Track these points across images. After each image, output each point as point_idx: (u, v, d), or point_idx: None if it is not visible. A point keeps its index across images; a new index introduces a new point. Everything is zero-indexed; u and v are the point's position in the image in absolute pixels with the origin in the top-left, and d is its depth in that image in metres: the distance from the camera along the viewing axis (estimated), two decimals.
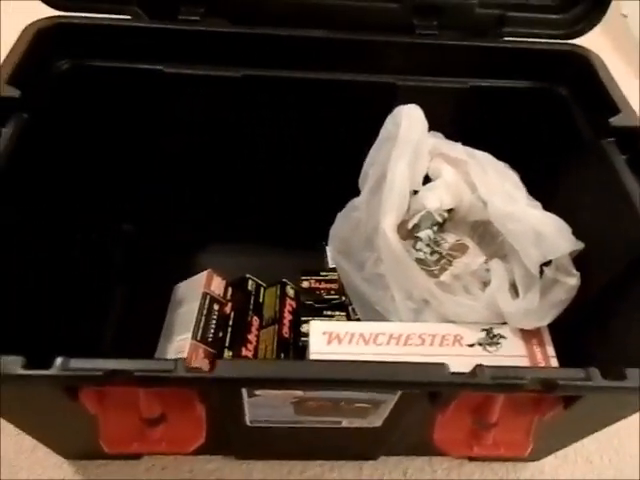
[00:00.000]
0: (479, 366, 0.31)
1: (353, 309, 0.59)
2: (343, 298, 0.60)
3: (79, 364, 0.29)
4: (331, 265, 0.63)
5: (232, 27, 0.52)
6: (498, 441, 0.37)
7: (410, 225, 0.50)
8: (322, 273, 0.62)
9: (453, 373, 0.31)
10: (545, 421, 0.37)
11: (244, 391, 0.35)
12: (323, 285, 0.61)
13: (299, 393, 0.36)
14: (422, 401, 0.35)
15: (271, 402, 0.37)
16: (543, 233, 0.45)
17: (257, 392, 0.35)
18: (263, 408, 0.38)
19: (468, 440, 0.37)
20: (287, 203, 0.64)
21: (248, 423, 0.41)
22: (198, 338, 0.54)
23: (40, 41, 0.48)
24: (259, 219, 0.65)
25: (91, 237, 0.60)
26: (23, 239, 0.45)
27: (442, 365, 0.31)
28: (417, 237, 0.49)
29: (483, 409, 0.36)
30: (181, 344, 0.54)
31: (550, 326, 0.51)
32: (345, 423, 0.41)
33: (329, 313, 0.59)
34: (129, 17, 0.51)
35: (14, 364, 0.29)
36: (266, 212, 0.65)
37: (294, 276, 0.62)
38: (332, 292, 0.60)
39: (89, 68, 0.50)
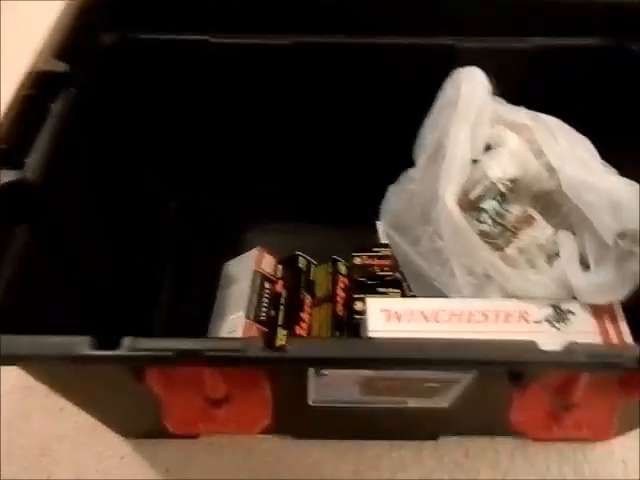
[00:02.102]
0: (573, 343, 0.29)
1: (408, 286, 0.57)
2: (397, 274, 0.58)
3: (148, 344, 0.28)
4: (383, 241, 0.61)
5: None
6: (580, 422, 0.35)
7: (473, 196, 0.48)
8: (374, 249, 0.59)
9: (545, 351, 0.28)
10: (629, 401, 0.34)
11: (311, 370, 0.34)
12: (376, 261, 0.59)
13: (368, 373, 0.34)
14: (500, 381, 0.33)
15: (337, 382, 0.36)
16: (620, 201, 0.42)
17: (325, 372, 0.34)
18: (328, 388, 0.37)
19: (548, 421, 0.35)
20: (337, 178, 0.62)
21: (311, 403, 0.39)
22: (251, 317, 0.53)
23: (85, 14, 0.46)
24: (309, 195, 0.63)
25: (141, 214, 0.60)
26: (75, 216, 0.45)
27: (532, 342, 0.29)
28: (482, 208, 0.47)
29: (564, 389, 0.33)
30: (234, 322, 0.53)
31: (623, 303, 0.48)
32: (411, 403, 0.40)
33: (382, 290, 0.57)
34: None
35: (82, 344, 0.28)
36: (316, 188, 0.62)
37: (346, 253, 0.60)
38: (385, 268, 0.58)
39: (135, 41, 0.49)
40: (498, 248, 0.48)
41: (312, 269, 0.59)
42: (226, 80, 0.52)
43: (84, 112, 0.45)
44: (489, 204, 0.46)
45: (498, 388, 0.34)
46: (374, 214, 0.61)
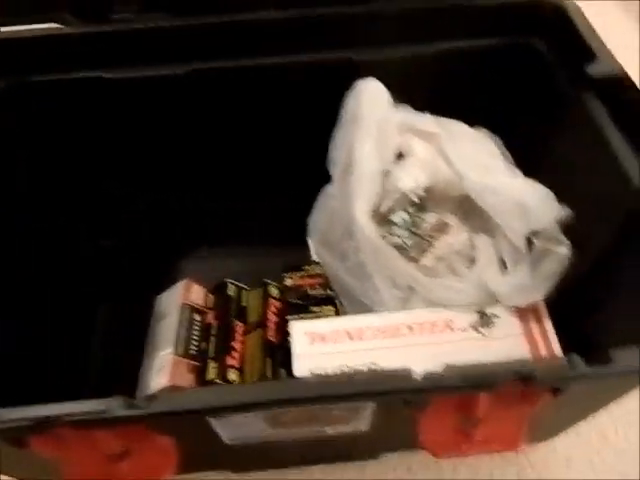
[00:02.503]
0: (448, 366, 0.28)
1: (341, 302, 0.56)
2: (329, 292, 0.57)
3: (5, 415, 0.26)
4: (315, 258, 0.60)
5: (171, 20, 0.48)
6: (488, 437, 0.34)
7: (383, 209, 0.47)
8: (305, 268, 0.59)
9: (419, 377, 0.28)
10: (537, 411, 0.33)
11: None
12: (307, 280, 0.58)
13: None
14: (398, 406, 0.32)
15: (242, 421, 0.35)
16: (525, 203, 0.42)
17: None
18: (236, 427, 0.36)
19: (455, 439, 0.34)
20: (262, 200, 0.61)
21: (227, 442, 0.38)
22: (180, 352, 0.52)
23: None
24: (236, 220, 0.62)
25: (68, 256, 0.58)
26: None
27: (406, 371, 0.28)
28: (391, 221, 0.46)
29: (467, 406, 0.33)
30: (163, 359, 0.52)
31: (548, 301, 0.48)
32: (329, 431, 0.39)
33: (316, 309, 0.56)
34: (60, 25, 0.47)
35: None
36: (242, 212, 0.62)
37: (280, 274, 0.59)
38: (317, 287, 0.57)
39: (26, 84, 0.48)
40: (414, 259, 0.47)
41: (243, 295, 0.58)
42: (127, 115, 0.51)
43: None
44: (398, 216, 0.46)
45: (402, 412, 0.33)
46: (305, 231, 0.60)
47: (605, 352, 0.27)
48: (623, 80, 0.39)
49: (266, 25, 0.49)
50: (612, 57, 0.41)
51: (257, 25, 0.49)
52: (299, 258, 0.61)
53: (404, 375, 0.27)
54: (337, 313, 0.56)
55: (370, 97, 0.47)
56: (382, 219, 0.47)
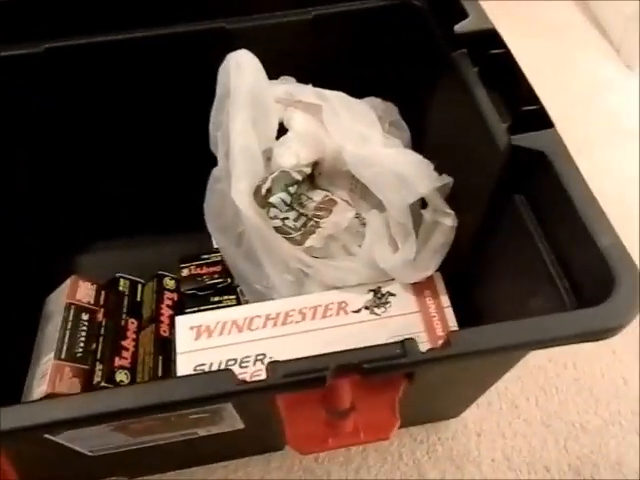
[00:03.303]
0: (271, 363, 0.25)
1: (242, 290, 0.54)
2: (229, 280, 0.54)
3: None
4: (215, 245, 0.57)
5: None
6: (359, 427, 0.32)
7: (264, 190, 0.44)
8: (203, 257, 0.55)
9: (238, 381, 0.25)
10: (408, 394, 0.31)
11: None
12: (205, 270, 0.54)
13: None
14: (254, 403, 0.29)
15: (84, 435, 0.32)
16: (401, 174, 0.39)
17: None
18: (86, 440, 0.33)
19: (323, 433, 0.31)
20: (153, 186, 0.57)
21: (88, 453, 0.35)
22: (63, 356, 0.48)
23: None
24: (129, 211, 0.58)
25: None
26: None
27: (227, 372, 0.25)
28: (269, 203, 0.43)
29: (329, 397, 0.30)
30: (45, 366, 0.48)
31: (446, 273, 0.46)
32: (202, 432, 0.36)
33: (216, 299, 0.53)
34: None
35: None
36: (134, 201, 0.57)
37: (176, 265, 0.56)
38: (216, 275, 0.54)
39: None
40: (297, 242, 0.44)
41: (139, 289, 0.54)
42: None
43: None
44: (277, 197, 0.43)
45: (263, 409, 0.31)
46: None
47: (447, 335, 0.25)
48: (492, 37, 0.36)
49: None
50: (483, 13, 0.38)
51: None
52: (201, 247, 0.58)
53: (225, 377, 0.25)
54: (239, 302, 0.54)
55: (242, 70, 0.43)
56: (262, 201, 0.44)
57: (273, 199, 0.43)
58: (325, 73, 0.47)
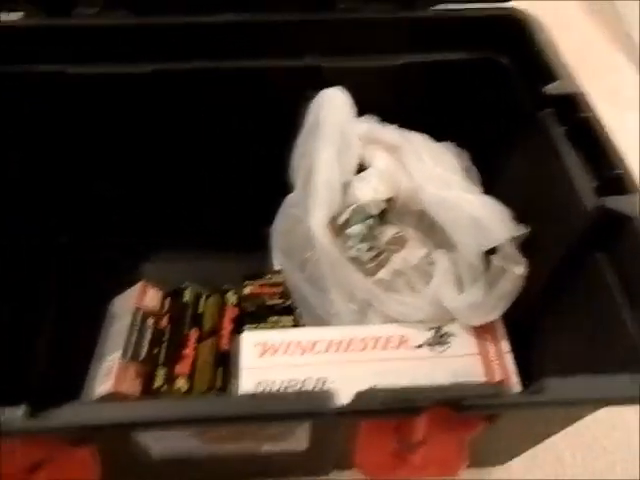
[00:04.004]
0: (371, 389, 0.27)
1: (299, 313, 0.55)
2: (289, 302, 0.56)
3: None
4: (277, 267, 0.59)
5: (134, 18, 0.47)
6: (427, 461, 0.33)
7: (341, 221, 0.46)
8: (267, 276, 0.57)
9: (341, 400, 0.26)
10: (478, 436, 0.32)
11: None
12: (267, 289, 0.56)
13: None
14: (331, 427, 0.31)
15: (168, 436, 0.33)
16: (479, 220, 0.41)
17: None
18: (164, 442, 0.35)
19: (393, 462, 0.32)
20: (226, 204, 0.60)
21: (159, 457, 0.37)
22: (128, 357, 0.50)
23: None
24: (199, 224, 0.61)
25: (22, 252, 0.57)
26: None
27: (326, 393, 0.27)
28: (348, 234, 0.45)
29: (403, 429, 0.31)
30: (110, 365, 0.50)
31: (507, 320, 0.47)
32: (266, 447, 0.37)
33: (275, 319, 0.55)
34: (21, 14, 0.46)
35: None
36: (205, 215, 0.60)
37: (239, 282, 0.58)
38: (276, 296, 0.56)
39: None
40: (371, 273, 0.46)
41: (201, 301, 0.56)
42: (89, 112, 0.50)
43: None
44: (354, 229, 0.45)
45: (338, 432, 0.32)
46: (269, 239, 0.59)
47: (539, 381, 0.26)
48: (580, 101, 0.38)
49: (230, 28, 0.49)
50: (571, 77, 0.40)
51: (220, 28, 0.49)
52: (261, 266, 0.60)
53: (325, 397, 0.26)
54: (296, 324, 0.55)
55: (334, 106, 0.46)
56: (338, 231, 0.46)
57: (351, 230, 0.45)
58: (404, 115, 0.50)
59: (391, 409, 0.26)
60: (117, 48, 0.48)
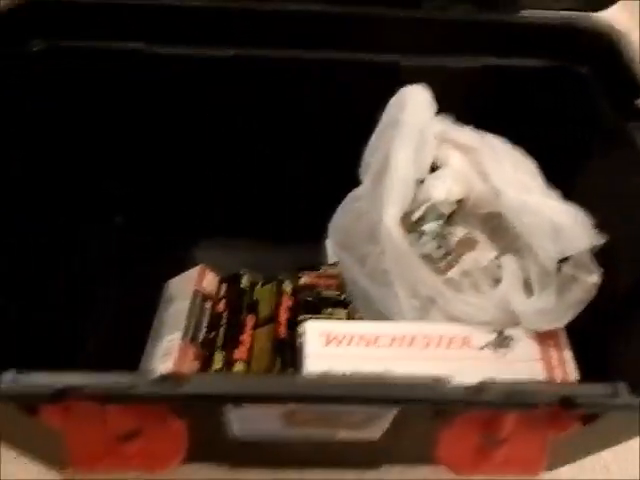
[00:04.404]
0: (488, 381, 0.27)
1: (355, 307, 0.56)
2: (343, 295, 0.56)
3: (30, 379, 0.25)
4: (331, 260, 0.59)
5: (217, 2, 0.48)
6: (509, 458, 0.33)
7: (415, 217, 0.46)
8: (322, 268, 0.58)
9: (455, 388, 0.27)
10: (562, 437, 0.33)
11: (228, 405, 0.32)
12: (322, 281, 0.57)
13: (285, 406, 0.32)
14: (423, 416, 0.31)
15: (258, 415, 0.34)
16: (561, 226, 0.41)
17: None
18: (250, 421, 0.35)
19: (475, 457, 0.33)
20: (284, 194, 0.60)
21: (237, 436, 0.37)
22: (188, 339, 0.50)
23: (11, 20, 0.44)
24: (256, 212, 0.61)
25: (78, 231, 0.57)
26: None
27: (442, 380, 0.27)
28: (422, 231, 0.45)
29: (492, 424, 0.32)
30: (170, 344, 0.50)
31: (567, 329, 0.47)
32: (340, 435, 0.38)
33: (329, 311, 0.55)
34: None
35: None
36: (263, 204, 0.61)
37: (293, 272, 0.58)
38: (332, 288, 0.56)
39: (64, 49, 0.47)
40: (441, 271, 0.46)
41: (256, 288, 0.57)
42: (163, 93, 0.50)
43: (11, 124, 0.43)
44: (430, 226, 0.45)
45: (423, 423, 0.32)
46: (323, 232, 0.60)
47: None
48: None
49: (314, 18, 0.49)
50: None
51: (304, 17, 0.49)
52: (314, 258, 0.60)
53: (442, 383, 0.27)
54: (348, 318, 0.56)
55: (415, 104, 0.46)
56: (410, 227, 0.47)
57: (426, 227, 0.45)
58: (477, 117, 0.50)
59: (511, 403, 0.26)
60: (197, 31, 0.49)
